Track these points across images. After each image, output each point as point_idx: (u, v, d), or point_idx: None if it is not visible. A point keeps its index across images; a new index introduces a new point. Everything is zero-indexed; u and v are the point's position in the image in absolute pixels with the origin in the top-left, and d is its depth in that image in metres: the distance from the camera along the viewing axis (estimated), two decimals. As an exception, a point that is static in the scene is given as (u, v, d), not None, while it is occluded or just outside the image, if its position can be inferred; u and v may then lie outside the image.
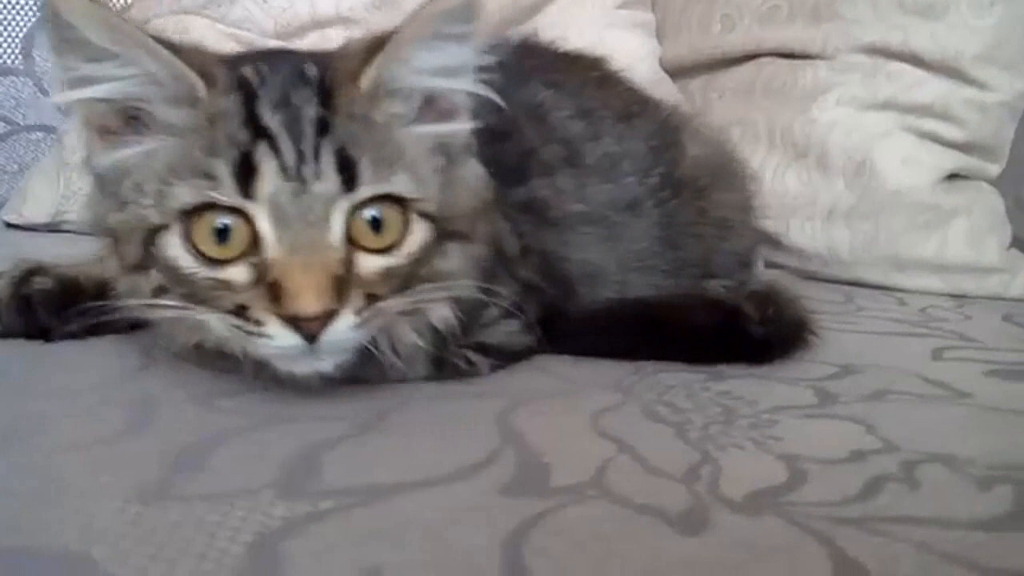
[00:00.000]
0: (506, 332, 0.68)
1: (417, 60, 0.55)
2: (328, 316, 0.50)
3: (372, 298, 0.53)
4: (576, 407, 0.60)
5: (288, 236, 0.51)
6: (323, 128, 0.52)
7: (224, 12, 1.29)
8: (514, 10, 1.47)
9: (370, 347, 0.56)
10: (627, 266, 0.78)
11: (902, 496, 0.48)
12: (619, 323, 0.73)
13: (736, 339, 0.72)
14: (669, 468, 0.50)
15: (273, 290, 0.50)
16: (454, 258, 0.58)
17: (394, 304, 0.55)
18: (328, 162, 0.51)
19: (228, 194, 0.51)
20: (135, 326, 0.67)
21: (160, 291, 0.55)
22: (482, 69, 0.58)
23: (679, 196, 0.82)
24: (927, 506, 0.47)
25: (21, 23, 1.32)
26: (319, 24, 1.33)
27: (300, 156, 0.51)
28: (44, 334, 0.65)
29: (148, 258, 0.54)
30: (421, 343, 0.60)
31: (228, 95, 0.53)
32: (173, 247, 0.52)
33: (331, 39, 1.33)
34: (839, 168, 1.22)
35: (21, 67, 1.33)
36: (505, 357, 0.68)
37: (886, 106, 1.23)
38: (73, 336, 0.66)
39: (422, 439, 0.52)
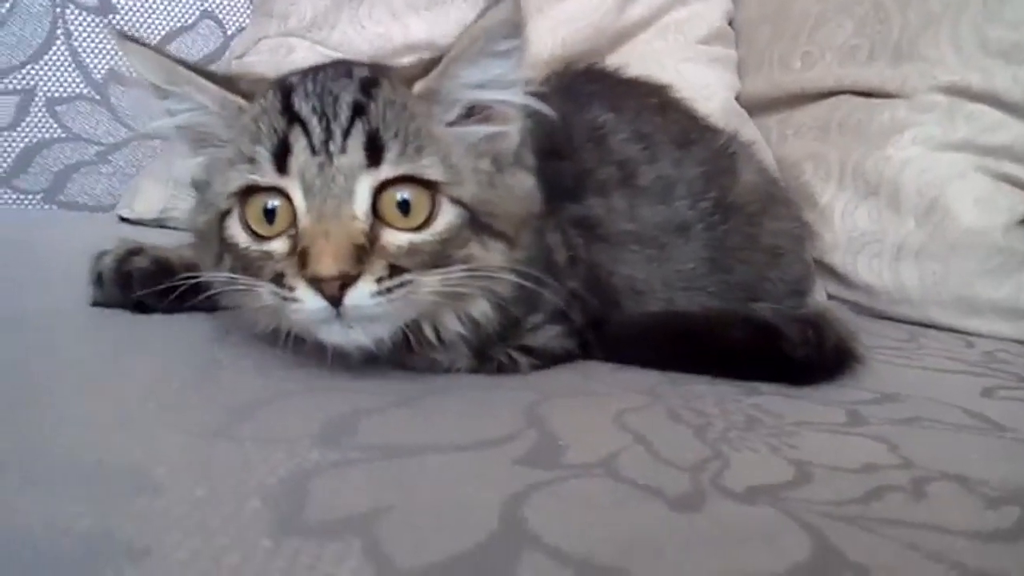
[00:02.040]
0: (549, 336, 0.73)
1: (464, 76, 0.61)
2: (348, 280, 0.55)
3: (396, 270, 0.57)
4: (603, 404, 0.64)
5: (315, 206, 0.57)
6: (358, 111, 0.58)
7: (325, 35, 1.40)
8: (597, 42, 1.53)
9: (408, 330, 0.62)
10: (673, 285, 0.81)
11: (904, 503, 0.49)
12: (658, 334, 0.76)
13: (773, 358, 0.74)
14: (679, 460, 0.53)
15: (302, 256, 0.56)
16: (495, 253, 0.62)
17: (427, 280, 0.59)
18: (356, 140, 0.58)
19: (267, 173, 0.58)
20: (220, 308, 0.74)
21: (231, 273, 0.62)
22: (530, 81, 0.64)
23: (729, 221, 0.85)
24: (927, 514, 0.48)
25: (147, 39, 1.46)
26: (412, 49, 1.42)
27: (328, 134, 0.58)
28: (140, 306, 0.74)
29: (222, 246, 0.62)
30: (464, 331, 0.65)
31: (269, 98, 0.61)
32: (232, 227, 0.61)
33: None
34: (910, 207, 1.22)
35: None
36: (546, 359, 0.72)
37: (962, 147, 1.22)
38: (165, 310, 0.74)
39: (452, 416, 0.57)
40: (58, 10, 1.39)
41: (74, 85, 1.41)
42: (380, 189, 0.58)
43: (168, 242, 0.81)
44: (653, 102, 0.91)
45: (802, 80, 1.46)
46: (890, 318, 1.24)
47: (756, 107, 1.54)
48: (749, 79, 1.58)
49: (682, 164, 0.85)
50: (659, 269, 0.81)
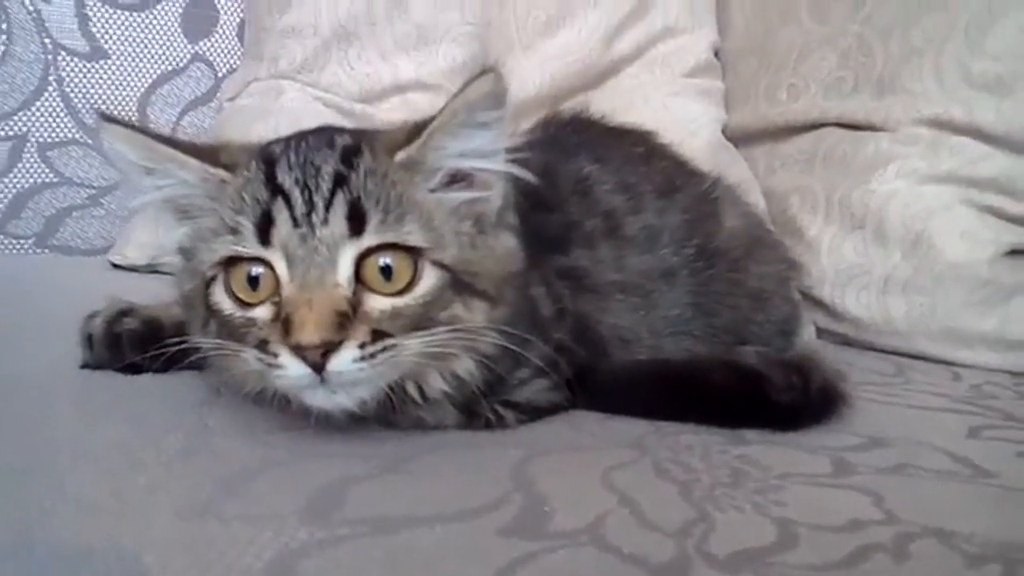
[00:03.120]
0: (536, 390, 0.73)
1: (446, 146, 0.62)
2: (331, 347, 0.56)
3: (379, 335, 0.58)
4: (590, 461, 0.64)
5: (298, 275, 0.59)
6: (340, 182, 0.60)
7: (315, 77, 1.41)
8: (585, 77, 1.54)
9: (392, 390, 0.62)
10: (659, 332, 0.82)
11: (886, 566, 0.50)
12: (643, 383, 0.77)
13: (759, 405, 0.75)
14: (664, 523, 0.53)
15: (285, 324, 0.57)
16: (477, 312, 0.63)
17: (410, 343, 0.60)
18: (338, 211, 0.59)
19: (250, 245, 0.60)
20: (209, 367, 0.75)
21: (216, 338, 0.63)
22: (512, 150, 0.65)
23: (714, 267, 0.86)
24: (909, 577, 0.49)
25: (139, 84, 1.47)
26: (400, 89, 1.43)
27: (310, 206, 0.59)
28: (130, 367, 0.74)
29: (208, 312, 0.63)
30: (448, 389, 0.66)
31: (252, 169, 0.62)
32: (217, 294, 0.62)
33: (411, 102, 1.44)
34: (896, 240, 1.23)
35: (136, 122, 1.48)
36: (533, 412, 0.73)
37: (947, 179, 1.23)
38: (155, 370, 0.75)
39: (439, 481, 0.58)
40: (49, 56, 1.40)
41: (66, 130, 1.42)
42: (363, 256, 0.59)
43: (160, 292, 0.82)
44: (638, 151, 0.92)
45: (788, 112, 1.47)
46: (879, 350, 1.24)
47: (743, 139, 1.55)
48: (736, 111, 1.60)
49: (666, 213, 0.86)
50: (645, 317, 0.81)
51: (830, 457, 0.70)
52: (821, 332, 1.29)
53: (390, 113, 1.40)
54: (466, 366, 0.66)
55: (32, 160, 1.42)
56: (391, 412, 0.65)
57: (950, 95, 1.26)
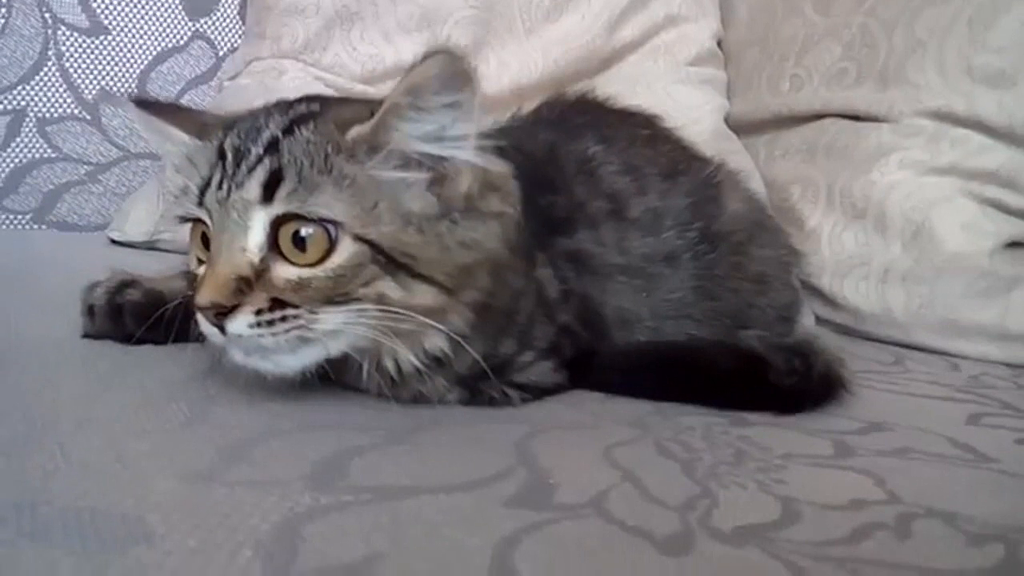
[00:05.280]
0: (541, 371, 0.73)
1: (399, 128, 0.59)
2: (223, 311, 0.57)
3: (279, 303, 0.58)
4: (593, 438, 0.64)
5: (217, 237, 0.60)
6: (271, 149, 0.60)
7: (317, 57, 1.40)
8: (589, 63, 1.54)
9: (367, 361, 0.64)
10: (661, 314, 0.81)
11: (889, 543, 0.50)
12: (645, 365, 0.77)
13: (759, 388, 0.75)
14: (667, 498, 0.53)
15: (199, 284, 0.60)
16: (420, 296, 0.60)
17: (325, 316, 0.59)
18: (257, 176, 0.59)
19: (191, 205, 0.62)
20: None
21: None
22: (483, 135, 0.61)
23: (717, 250, 0.85)
24: (912, 554, 0.49)
25: (138, 60, 1.46)
26: (402, 71, 1.42)
27: (236, 169, 0.60)
28: (131, 338, 0.74)
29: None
30: (420, 364, 0.64)
31: (215, 136, 0.64)
32: (191, 255, 0.66)
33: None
34: (897, 231, 1.23)
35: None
36: (537, 392, 0.73)
37: (948, 171, 1.23)
38: (157, 341, 0.75)
39: (443, 453, 0.58)
40: (49, 31, 1.39)
41: (65, 105, 1.42)
42: (278, 224, 0.59)
43: (159, 267, 0.82)
44: (643, 133, 0.92)
45: (790, 102, 1.47)
46: (877, 340, 1.25)
47: (745, 128, 1.55)
48: (738, 100, 1.60)
49: (670, 195, 0.86)
50: (647, 299, 0.81)
51: (831, 440, 0.70)
52: (820, 322, 1.29)
53: (392, 95, 1.40)
54: (434, 342, 0.64)
55: (30, 135, 1.41)
56: (391, 385, 0.64)
57: (952, 87, 1.26)
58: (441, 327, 0.62)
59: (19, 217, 1.42)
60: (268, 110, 0.66)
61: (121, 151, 1.46)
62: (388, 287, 0.59)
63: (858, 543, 0.49)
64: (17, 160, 1.41)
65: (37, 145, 1.42)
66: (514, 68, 1.48)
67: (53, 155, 1.42)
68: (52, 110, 1.42)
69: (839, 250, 1.28)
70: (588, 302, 0.77)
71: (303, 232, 0.59)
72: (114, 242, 1.33)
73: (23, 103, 1.40)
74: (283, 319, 0.58)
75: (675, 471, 0.59)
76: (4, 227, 1.41)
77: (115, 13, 1.44)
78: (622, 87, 1.47)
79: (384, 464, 0.54)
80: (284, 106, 0.66)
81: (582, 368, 0.75)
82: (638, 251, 0.81)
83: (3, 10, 1.37)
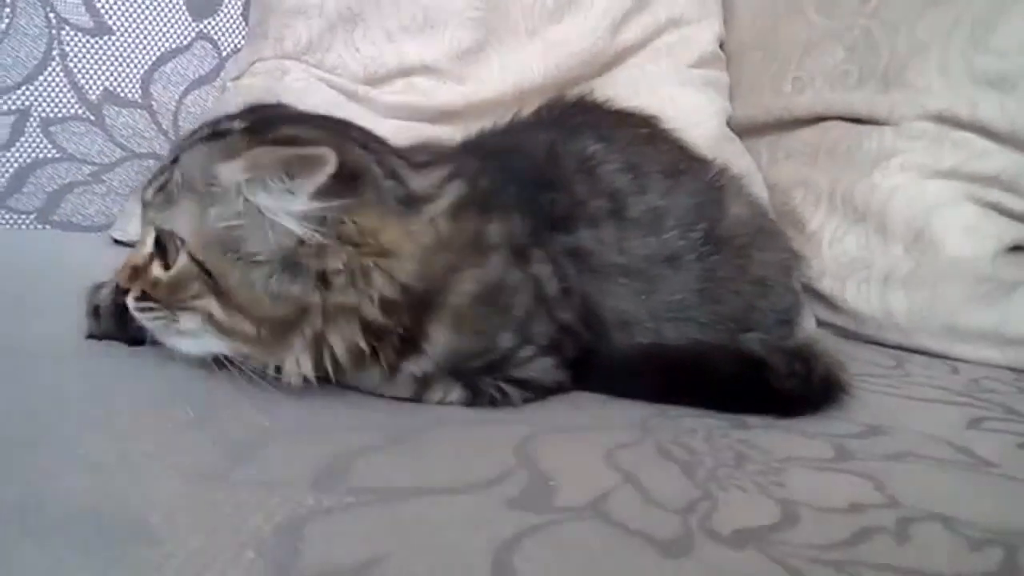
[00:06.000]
0: (541, 368, 0.73)
1: (238, 179, 0.62)
2: (122, 290, 0.69)
3: (147, 295, 0.67)
4: (594, 440, 0.65)
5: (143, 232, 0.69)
6: (176, 162, 0.67)
7: (320, 58, 1.40)
8: (591, 66, 1.54)
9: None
10: (661, 316, 0.81)
11: (888, 547, 0.50)
12: (646, 367, 0.77)
13: (761, 391, 0.75)
14: (668, 501, 0.53)
15: None
16: (240, 324, 0.64)
17: (185, 316, 0.66)
18: (156, 183, 0.68)
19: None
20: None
21: None
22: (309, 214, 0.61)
23: (719, 253, 0.85)
24: (911, 558, 0.49)
25: (142, 61, 1.47)
26: (405, 72, 1.43)
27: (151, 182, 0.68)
28: (136, 339, 0.74)
29: None
30: (343, 361, 0.65)
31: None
32: None
33: (416, 86, 1.44)
34: (898, 234, 1.23)
35: (140, 100, 1.47)
36: (538, 391, 0.73)
37: (950, 175, 1.23)
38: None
39: (444, 455, 0.58)
40: (53, 31, 1.39)
41: (69, 106, 1.41)
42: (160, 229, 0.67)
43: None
44: (643, 132, 0.92)
45: (792, 105, 1.47)
46: (878, 343, 1.25)
47: (747, 131, 1.55)
48: (740, 103, 1.60)
49: (671, 195, 0.85)
50: (647, 301, 0.81)
51: (831, 443, 0.70)
52: (821, 325, 1.29)
53: (394, 96, 1.40)
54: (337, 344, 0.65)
55: (34, 135, 1.41)
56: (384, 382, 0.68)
57: (955, 91, 1.26)
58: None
59: (23, 217, 1.42)
60: (217, 120, 0.71)
61: (125, 151, 1.46)
62: (213, 307, 0.64)
63: (857, 546, 0.50)
64: (21, 160, 1.40)
65: (41, 145, 1.42)
66: (516, 70, 1.48)
67: (57, 155, 1.42)
68: (56, 110, 1.42)
69: (840, 253, 1.28)
70: (587, 301, 0.77)
71: (163, 238, 0.67)
72: (117, 242, 1.33)
73: (27, 103, 1.40)
74: (151, 308, 0.67)
75: (675, 473, 0.59)
76: (8, 227, 1.41)
77: (119, 13, 1.44)
78: (625, 89, 1.47)
79: (386, 465, 0.54)
80: (225, 118, 0.71)
81: (584, 369, 0.76)
82: (639, 252, 0.81)
83: (7, 10, 1.36)
